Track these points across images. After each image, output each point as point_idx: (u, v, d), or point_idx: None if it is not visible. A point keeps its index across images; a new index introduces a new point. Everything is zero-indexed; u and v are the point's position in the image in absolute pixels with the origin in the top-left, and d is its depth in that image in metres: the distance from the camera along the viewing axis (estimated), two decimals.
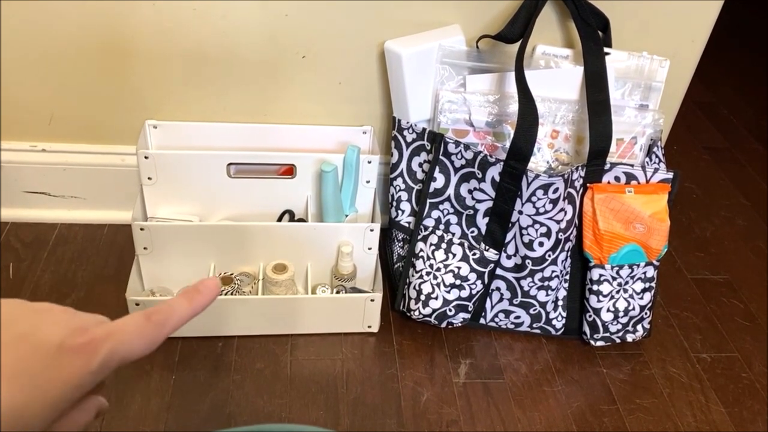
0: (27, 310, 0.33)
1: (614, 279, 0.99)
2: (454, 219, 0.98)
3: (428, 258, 0.99)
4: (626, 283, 1.00)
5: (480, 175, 0.94)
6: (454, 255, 0.98)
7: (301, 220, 1.09)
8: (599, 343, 1.04)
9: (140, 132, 1.04)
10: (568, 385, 1.00)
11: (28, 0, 0.96)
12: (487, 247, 0.98)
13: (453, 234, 0.99)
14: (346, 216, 1.07)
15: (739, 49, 2.28)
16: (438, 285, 0.99)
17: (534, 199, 0.92)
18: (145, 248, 0.97)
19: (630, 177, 0.96)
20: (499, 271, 1.00)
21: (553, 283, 1.00)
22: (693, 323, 1.14)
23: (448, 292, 0.99)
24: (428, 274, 0.99)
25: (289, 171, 1.05)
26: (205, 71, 1.05)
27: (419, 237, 1.00)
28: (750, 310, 1.18)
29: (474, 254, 0.98)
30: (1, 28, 0.98)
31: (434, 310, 1.00)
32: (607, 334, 1.03)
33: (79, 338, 0.32)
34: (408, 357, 1.01)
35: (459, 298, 0.99)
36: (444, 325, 1.02)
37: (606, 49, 0.97)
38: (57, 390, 0.30)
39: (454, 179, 0.96)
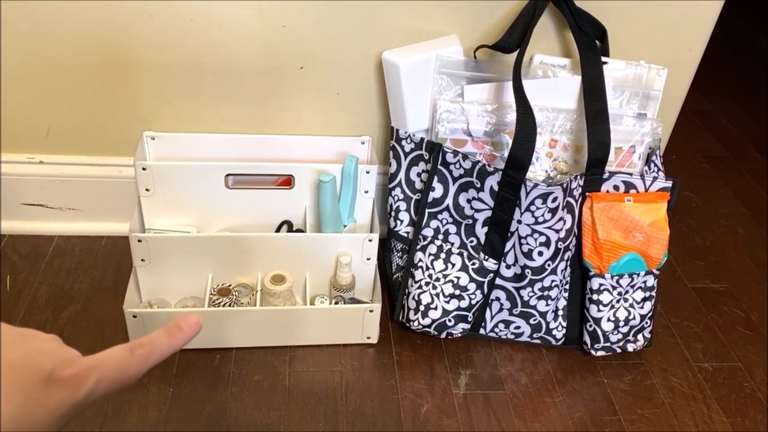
0: (16, 336, 0.33)
1: (614, 288, 0.99)
2: (452, 229, 0.98)
3: (427, 268, 0.99)
4: (626, 292, 1.00)
5: (478, 185, 0.94)
6: (453, 265, 0.98)
7: (299, 230, 1.09)
8: (600, 353, 1.04)
9: (138, 143, 1.04)
10: (569, 396, 0.99)
11: (25, 13, 0.96)
12: (486, 257, 0.97)
13: (452, 244, 0.98)
14: (345, 226, 1.07)
15: (736, 57, 2.29)
16: (437, 295, 0.98)
17: (533, 208, 0.92)
18: (142, 260, 0.97)
19: (629, 186, 0.96)
20: (498, 281, 1.00)
21: (553, 293, 0.99)
22: (694, 332, 1.13)
23: (448, 302, 0.98)
24: (427, 284, 0.98)
25: (287, 182, 1.05)
26: (203, 82, 1.05)
27: (418, 247, 1.00)
28: (751, 319, 1.17)
29: (473, 264, 0.97)
30: (0, 41, 0.99)
31: (434, 321, 0.99)
32: (608, 344, 1.02)
33: (67, 369, 0.32)
34: (407, 368, 1.00)
35: (458, 309, 0.99)
36: (443, 335, 1.02)
37: (603, 58, 0.97)
38: (43, 417, 0.31)
39: (452, 189, 0.96)
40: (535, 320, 1.01)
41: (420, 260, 0.99)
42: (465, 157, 0.93)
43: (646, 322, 1.03)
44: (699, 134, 1.77)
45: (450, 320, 0.99)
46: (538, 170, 0.99)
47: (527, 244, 0.95)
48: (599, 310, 1.00)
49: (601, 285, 0.98)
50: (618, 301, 1.00)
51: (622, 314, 1.00)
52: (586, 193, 0.96)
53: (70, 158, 1.11)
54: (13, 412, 0.30)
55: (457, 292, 0.98)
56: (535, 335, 1.03)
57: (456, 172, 0.95)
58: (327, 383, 0.96)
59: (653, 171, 1.00)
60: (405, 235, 1.04)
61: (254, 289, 1.02)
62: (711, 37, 1.07)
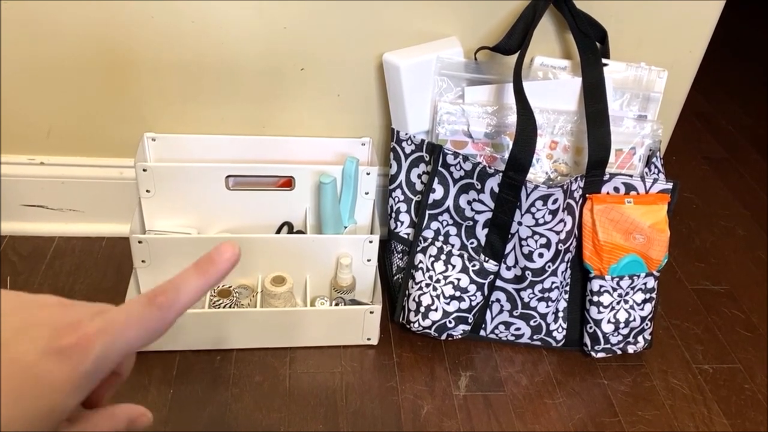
0: (13, 308, 0.30)
1: (614, 290, 0.99)
2: (453, 230, 0.98)
3: (427, 269, 0.99)
4: (627, 294, 1.00)
5: (479, 186, 0.94)
6: (454, 266, 0.98)
7: (299, 232, 1.09)
8: (600, 355, 1.04)
9: (138, 145, 1.04)
10: (569, 398, 0.99)
11: (26, 14, 0.96)
12: (486, 259, 0.97)
13: (452, 245, 0.98)
14: (345, 228, 1.07)
15: (737, 59, 2.29)
16: (437, 297, 0.98)
17: (533, 210, 0.92)
18: (143, 261, 0.97)
19: (629, 187, 0.96)
20: (498, 283, 1.00)
21: (554, 295, 0.99)
22: (694, 334, 1.13)
23: (448, 303, 0.98)
24: (428, 285, 0.99)
25: (288, 183, 1.05)
26: (204, 84, 1.05)
27: (418, 248, 1.00)
28: (751, 321, 1.17)
29: (473, 265, 0.97)
30: (1, 42, 0.99)
31: (434, 322, 0.99)
32: (608, 346, 1.02)
33: (66, 338, 0.28)
34: (408, 369, 1.00)
35: (459, 310, 0.99)
36: (444, 337, 1.02)
37: (604, 60, 0.97)
38: (47, 399, 0.28)
39: (453, 190, 0.96)
40: (535, 322, 1.01)
41: (420, 262, 0.99)
42: (465, 158, 0.93)
43: (647, 324, 1.03)
44: (699, 136, 1.77)
45: (450, 322, 0.99)
46: (538, 172, 0.99)
47: (528, 245, 0.95)
48: (599, 312, 1.00)
49: (601, 287, 0.98)
50: (618, 303, 1.00)
51: (622, 316, 1.00)
52: (587, 195, 0.96)
53: (71, 159, 1.11)
54: (8, 402, 0.27)
55: (458, 293, 0.98)
56: (535, 337, 1.03)
57: (456, 173, 0.95)
58: (327, 384, 0.96)
59: (653, 173, 1.00)
60: (405, 236, 1.04)
61: (255, 291, 1.02)
62: (711, 38, 1.07)
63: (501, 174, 0.92)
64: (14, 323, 0.29)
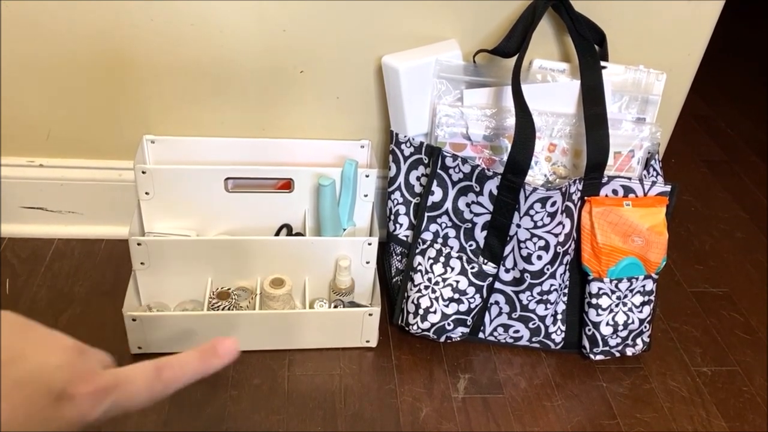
0: (34, 339, 0.32)
1: (613, 292, 0.99)
2: (452, 232, 0.98)
3: (426, 272, 0.99)
4: (625, 296, 1.00)
5: (478, 189, 0.94)
6: (453, 269, 0.98)
7: (298, 234, 1.09)
8: (599, 357, 1.04)
9: (138, 147, 1.04)
10: (568, 400, 0.99)
11: (25, 15, 0.96)
12: (485, 261, 0.97)
13: (451, 247, 0.98)
14: (344, 230, 1.07)
15: (736, 62, 2.29)
16: (436, 299, 0.98)
17: (532, 212, 0.92)
18: (142, 263, 0.97)
19: (628, 190, 0.96)
20: (497, 285, 1.00)
21: (552, 297, 0.99)
22: (693, 336, 1.13)
23: (447, 306, 0.98)
24: (426, 288, 0.99)
25: (287, 185, 1.05)
26: (203, 86, 1.05)
27: (417, 251, 1.00)
28: (750, 324, 1.17)
29: (472, 268, 0.97)
30: (0, 42, 0.99)
31: (433, 325, 0.99)
32: (607, 348, 1.02)
33: (82, 386, 0.30)
34: (406, 372, 1.00)
35: (457, 312, 0.99)
36: (443, 339, 1.02)
37: (602, 63, 0.97)
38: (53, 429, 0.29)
39: (451, 193, 0.96)
40: (534, 324, 1.01)
41: (419, 264, 0.99)
42: (464, 161, 0.93)
43: (645, 327, 1.03)
44: (698, 138, 1.77)
45: (449, 324, 0.99)
46: (537, 174, 0.99)
47: (526, 248, 0.95)
48: (598, 315, 1.00)
49: (599, 289, 0.99)
50: (617, 305, 1.00)
51: (621, 318, 1.00)
52: (585, 198, 0.96)
53: (70, 161, 1.12)
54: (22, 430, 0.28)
55: (457, 296, 0.98)
56: (534, 339, 1.03)
57: (455, 176, 0.95)
58: (326, 387, 0.96)
59: (652, 175, 1.00)
60: (404, 238, 1.04)
61: (253, 293, 1.02)
62: (710, 41, 1.08)
63: (500, 176, 0.92)
64: (39, 357, 0.31)
